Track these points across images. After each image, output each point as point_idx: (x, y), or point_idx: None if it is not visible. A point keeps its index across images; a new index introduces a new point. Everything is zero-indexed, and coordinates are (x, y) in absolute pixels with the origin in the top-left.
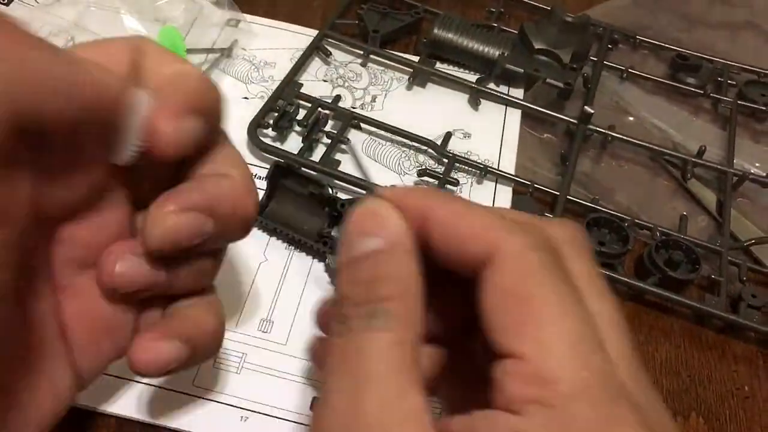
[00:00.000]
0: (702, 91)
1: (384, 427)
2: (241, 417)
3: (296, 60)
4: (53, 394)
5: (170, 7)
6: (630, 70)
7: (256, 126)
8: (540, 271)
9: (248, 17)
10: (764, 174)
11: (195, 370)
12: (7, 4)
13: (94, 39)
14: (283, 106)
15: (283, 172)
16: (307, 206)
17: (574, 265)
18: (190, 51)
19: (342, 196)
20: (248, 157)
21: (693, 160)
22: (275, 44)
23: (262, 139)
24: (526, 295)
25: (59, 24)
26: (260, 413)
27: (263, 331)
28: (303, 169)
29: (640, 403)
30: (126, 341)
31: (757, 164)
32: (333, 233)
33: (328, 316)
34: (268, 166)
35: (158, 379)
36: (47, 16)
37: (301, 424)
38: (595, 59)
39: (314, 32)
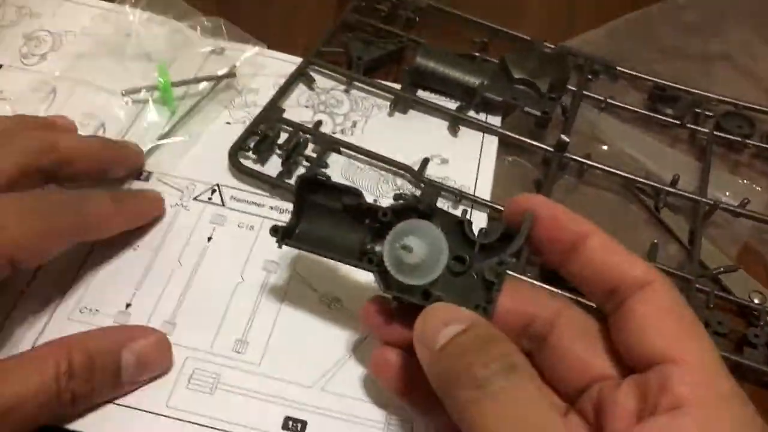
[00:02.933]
0: (679, 122)
1: None
2: None
3: (279, 86)
4: None
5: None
6: (609, 100)
7: (237, 150)
8: (683, 300)
9: (237, 45)
10: (736, 204)
11: (169, 391)
12: None
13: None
14: (264, 130)
15: (310, 185)
16: (343, 221)
17: None
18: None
19: (383, 203)
20: (229, 180)
21: (666, 189)
22: (259, 71)
23: (243, 162)
24: (682, 315)
25: (41, 78)
26: None
27: (238, 352)
28: (333, 180)
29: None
30: None
31: (727, 193)
32: (377, 248)
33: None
34: (249, 188)
35: (130, 400)
36: (32, 74)
37: None
38: (575, 89)
39: (297, 59)
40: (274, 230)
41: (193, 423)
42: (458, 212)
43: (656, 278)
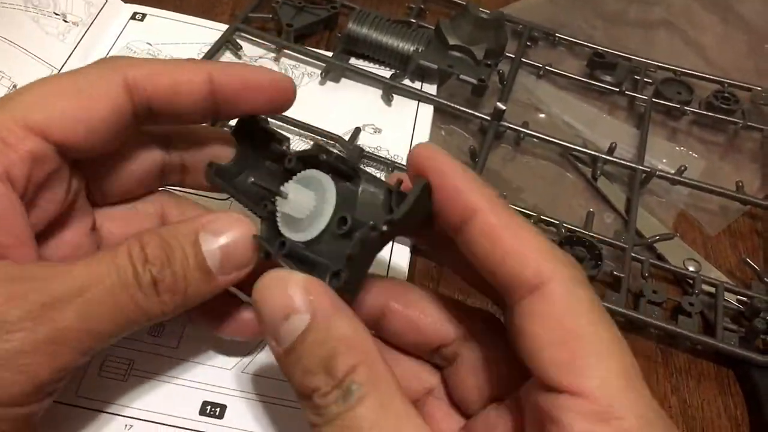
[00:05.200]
0: (618, 89)
1: None
2: (126, 425)
3: (204, 54)
4: None
5: (68, 1)
6: (547, 67)
7: None
8: (590, 308)
9: (155, 11)
10: (672, 171)
11: (78, 380)
12: None
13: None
14: None
15: (248, 125)
16: (266, 168)
17: None
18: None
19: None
20: None
21: (603, 156)
22: (182, 39)
23: None
24: (581, 332)
25: None
26: (146, 420)
27: (154, 335)
28: (267, 121)
29: None
30: None
31: (664, 161)
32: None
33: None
34: None
35: None
36: None
37: (187, 429)
38: (513, 56)
39: (223, 26)
40: (209, 165)
41: (105, 412)
42: None
43: (552, 278)
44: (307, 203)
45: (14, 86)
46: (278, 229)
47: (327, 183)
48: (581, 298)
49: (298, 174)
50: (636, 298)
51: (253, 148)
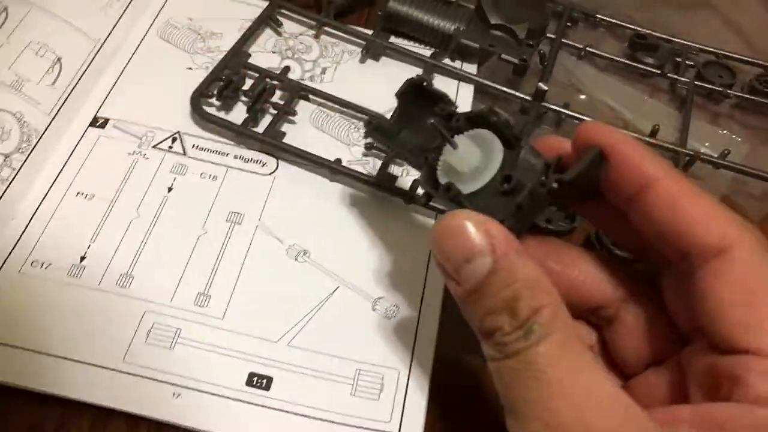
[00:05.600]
0: (659, 71)
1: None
2: (173, 393)
3: (245, 30)
4: None
5: None
6: (588, 48)
7: (199, 95)
8: None
9: None
10: (716, 155)
11: (126, 346)
12: None
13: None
14: (228, 75)
15: (415, 90)
16: (429, 130)
17: None
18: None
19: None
20: (191, 128)
21: (645, 139)
22: (223, 14)
23: (206, 109)
24: (761, 292)
25: None
26: (193, 389)
27: (200, 305)
28: (430, 84)
29: None
30: None
31: (707, 144)
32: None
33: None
34: (212, 137)
35: (85, 355)
36: None
37: (235, 399)
38: (553, 37)
39: (264, 2)
40: (368, 121)
41: (151, 379)
42: None
43: (734, 243)
44: (474, 157)
45: (58, 59)
46: (437, 178)
47: (495, 143)
48: (763, 264)
49: (466, 132)
50: None
51: (416, 110)
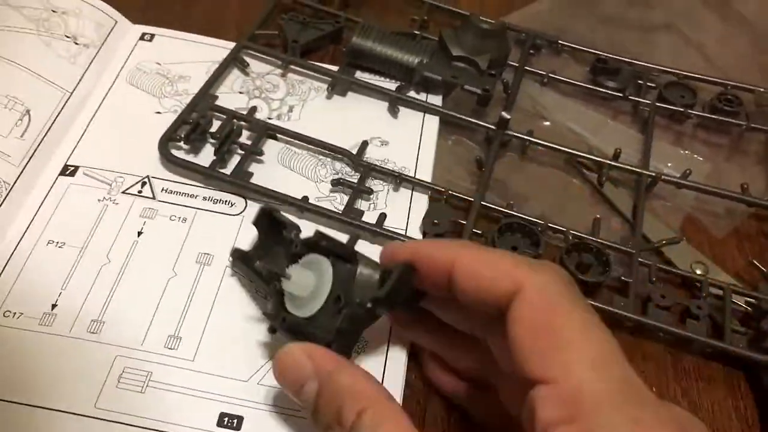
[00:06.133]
0: (621, 94)
1: None
2: None
3: (212, 73)
4: None
5: (79, 24)
6: (551, 74)
7: (167, 140)
8: (561, 301)
9: (163, 31)
10: (678, 175)
11: (97, 392)
12: None
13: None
14: (196, 119)
15: (268, 215)
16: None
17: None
18: None
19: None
20: (160, 172)
21: (608, 162)
22: (191, 57)
23: (174, 152)
24: (550, 324)
25: None
26: None
27: (170, 348)
28: (278, 211)
29: (665, 406)
30: None
31: (669, 164)
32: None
33: None
34: (181, 180)
35: (56, 403)
36: None
37: None
38: (517, 65)
39: (231, 44)
40: (234, 251)
41: (123, 424)
42: (400, 195)
43: (523, 285)
44: (308, 284)
45: (27, 111)
46: (284, 305)
47: (325, 266)
48: (554, 294)
49: (304, 257)
50: (644, 302)
51: (270, 235)
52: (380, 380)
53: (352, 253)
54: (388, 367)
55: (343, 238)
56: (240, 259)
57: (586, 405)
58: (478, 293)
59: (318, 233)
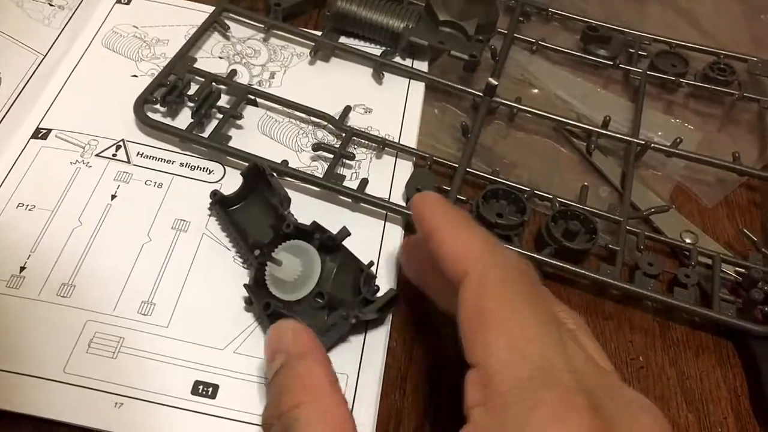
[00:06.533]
0: (612, 63)
1: None
2: (115, 403)
3: (190, 36)
4: None
5: None
6: (540, 42)
7: (143, 102)
8: (498, 288)
9: None
10: (668, 143)
11: (66, 356)
12: None
13: None
14: (173, 81)
15: (260, 174)
16: (268, 217)
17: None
18: None
19: (300, 220)
20: (136, 135)
21: (597, 130)
22: (170, 21)
23: (151, 115)
24: (481, 310)
25: None
26: (136, 398)
27: (143, 314)
28: (273, 176)
29: (589, 387)
30: None
31: (660, 133)
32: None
33: None
34: (158, 144)
35: (24, 367)
36: None
37: (180, 408)
38: (506, 32)
39: (211, 8)
40: (213, 193)
41: (93, 389)
42: (383, 162)
43: (470, 267)
44: (295, 271)
45: None
46: (264, 281)
47: (315, 260)
48: (493, 281)
49: (292, 241)
50: (631, 271)
51: (253, 192)
52: (360, 348)
53: (339, 246)
54: (369, 334)
55: (321, 207)
56: (219, 203)
57: (499, 388)
58: (445, 271)
59: (314, 224)
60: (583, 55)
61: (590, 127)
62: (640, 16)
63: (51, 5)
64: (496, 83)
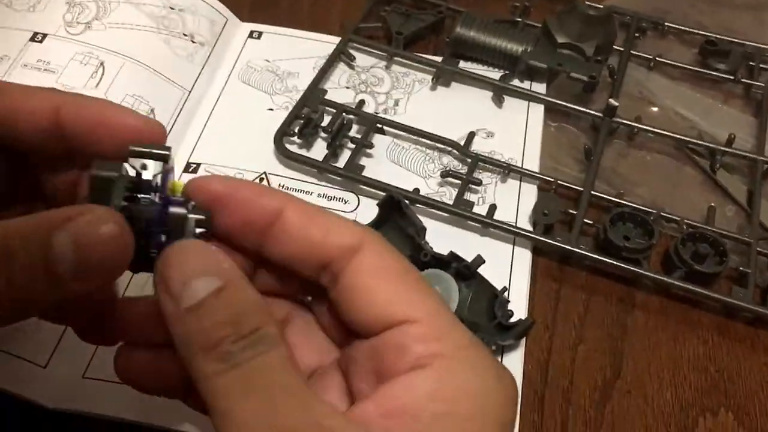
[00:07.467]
0: (732, 77)
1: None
2: None
3: (319, 68)
4: None
5: (195, 22)
6: (657, 58)
7: (282, 135)
8: (400, 257)
9: (270, 28)
10: None
11: None
12: (41, 41)
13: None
14: (308, 113)
15: (395, 205)
16: (402, 248)
17: None
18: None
19: (436, 249)
20: (276, 167)
21: (721, 149)
22: (298, 53)
23: (288, 147)
24: (404, 275)
25: (88, 51)
26: None
27: None
28: (408, 207)
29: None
30: None
31: None
32: None
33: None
34: (296, 175)
35: None
36: (77, 45)
37: None
38: (621, 49)
39: (335, 39)
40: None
41: None
42: (508, 186)
43: (365, 240)
44: None
45: (152, 110)
46: None
47: (453, 287)
48: (392, 250)
49: (430, 270)
50: (763, 293)
51: (387, 222)
52: None
53: (474, 274)
54: (505, 358)
55: (451, 232)
56: None
57: (458, 343)
58: (309, 244)
59: (451, 253)
60: (702, 70)
61: (714, 146)
62: (758, 25)
63: (193, 42)
64: (617, 104)
